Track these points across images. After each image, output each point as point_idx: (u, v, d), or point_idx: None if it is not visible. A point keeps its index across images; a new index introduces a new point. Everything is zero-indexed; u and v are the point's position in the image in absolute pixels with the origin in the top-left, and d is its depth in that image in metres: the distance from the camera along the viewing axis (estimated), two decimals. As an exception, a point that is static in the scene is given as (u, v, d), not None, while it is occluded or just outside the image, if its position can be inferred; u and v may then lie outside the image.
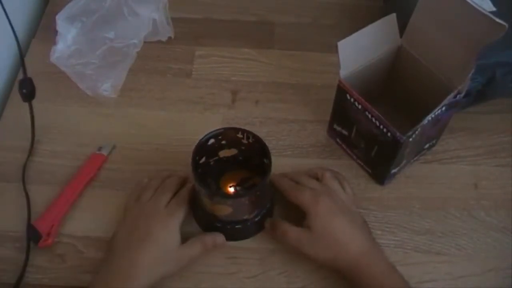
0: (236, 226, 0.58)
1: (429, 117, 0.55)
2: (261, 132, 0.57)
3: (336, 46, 0.56)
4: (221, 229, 0.58)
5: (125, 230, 0.56)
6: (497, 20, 0.49)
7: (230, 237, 0.59)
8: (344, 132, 0.65)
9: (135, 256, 0.53)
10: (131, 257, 0.53)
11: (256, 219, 0.58)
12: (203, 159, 0.58)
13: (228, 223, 0.58)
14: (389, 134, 0.56)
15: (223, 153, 0.60)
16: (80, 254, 0.60)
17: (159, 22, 0.74)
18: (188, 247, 0.56)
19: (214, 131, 0.56)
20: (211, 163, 0.60)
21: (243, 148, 0.59)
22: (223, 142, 0.58)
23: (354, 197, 0.61)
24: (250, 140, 0.57)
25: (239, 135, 0.57)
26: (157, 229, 0.54)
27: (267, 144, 0.55)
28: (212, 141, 0.57)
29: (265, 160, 0.55)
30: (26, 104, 0.67)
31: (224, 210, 0.55)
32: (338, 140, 0.68)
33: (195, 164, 0.54)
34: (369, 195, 0.64)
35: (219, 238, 0.57)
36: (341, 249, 0.54)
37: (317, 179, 0.61)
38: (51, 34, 0.70)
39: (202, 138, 0.56)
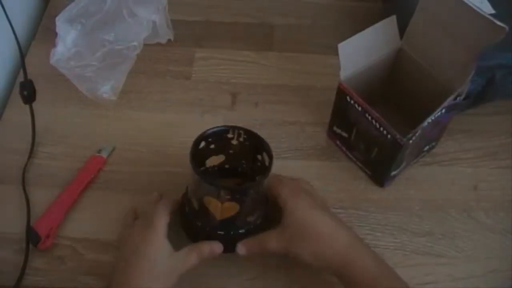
0: (240, 231, 0.56)
1: (429, 119, 0.55)
2: (260, 134, 0.57)
3: (336, 48, 0.56)
4: (223, 237, 0.56)
5: (119, 259, 0.54)
6: (497, 22, 0.49)
7: (232, 246, 0.56)
8: (344, 134, 0.65)
9: (128, 281, 0.51)
10: (123, 282, 0.51)
11: (258, 221, 0.57)
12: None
13: (231, 228, 0.56)
14: (389, 136, 0.56)
15: (211, 162, 0.60)
16: (79, 256, 0.59)
17: (159, 24, 0.74)
18: (182, 256, 0.54)
19: (204, 133, 0.55)
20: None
21: (231, 152, 0.59)
22: (212, 146, 0.58)
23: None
24: (241, 139, 0.56)
25: (229, 135, 0.57)
26: (142, 246, 0.53)
27: None
28: (203, 144, 0.56)
29: (260, 157, 0.55)
30: (25, 106, 0.67)
31: (232, 210, 0.53)
32: (338, 142, 0.68)
33: (195, 163, 0.52)
34: (369, 197, 0.64)
35: (217, 246, 0.55)
36: (326, 242, 0.52)
37: None
38: (51, 36, 0.70)
39: (196, 141, 0.55)
